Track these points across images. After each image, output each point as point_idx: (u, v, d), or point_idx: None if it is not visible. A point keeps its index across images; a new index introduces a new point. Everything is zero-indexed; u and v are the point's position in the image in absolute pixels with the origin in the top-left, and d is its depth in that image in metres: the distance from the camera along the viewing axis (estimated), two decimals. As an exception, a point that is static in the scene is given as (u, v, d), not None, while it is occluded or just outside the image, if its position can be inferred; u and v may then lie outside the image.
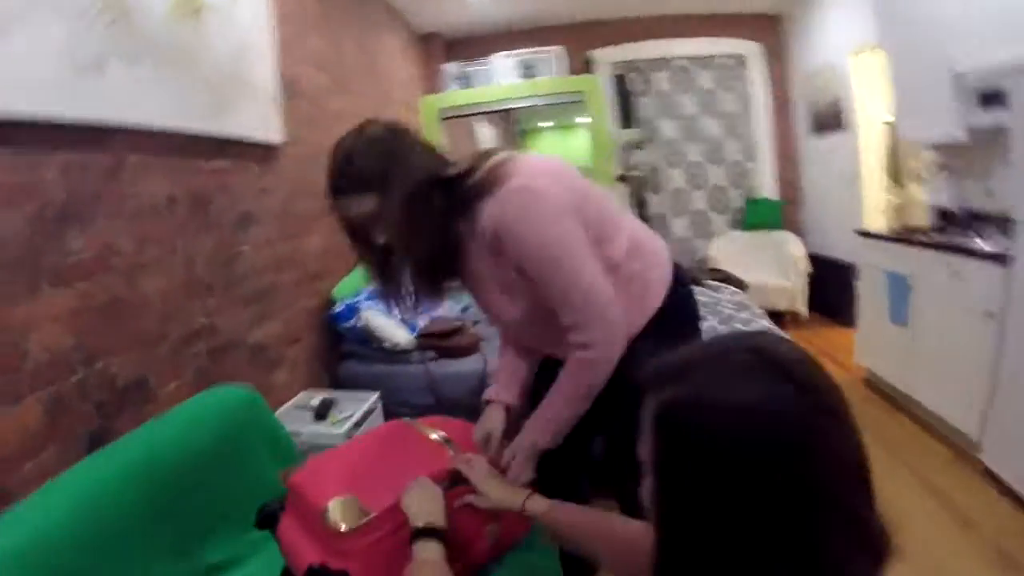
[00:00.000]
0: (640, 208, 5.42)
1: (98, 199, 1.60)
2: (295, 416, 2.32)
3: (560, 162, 1.33)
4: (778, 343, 0.60)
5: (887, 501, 0.58)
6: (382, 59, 4.09)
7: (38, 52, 1.41)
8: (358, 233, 1.29)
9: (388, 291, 1.38)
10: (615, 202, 1.34)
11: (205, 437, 1.59)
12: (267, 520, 1.38)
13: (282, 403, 2.39)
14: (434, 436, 1.43)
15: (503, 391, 1.49)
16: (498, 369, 1.55)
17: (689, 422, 0.57)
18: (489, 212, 1.20)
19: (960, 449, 2.68)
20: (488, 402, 1.50)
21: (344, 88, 3.36)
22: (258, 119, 2.33)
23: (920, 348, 2.95)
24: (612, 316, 1.21)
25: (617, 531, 0.99)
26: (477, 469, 1.24)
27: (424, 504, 1.12)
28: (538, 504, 1.13)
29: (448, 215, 1.25)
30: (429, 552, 1.02)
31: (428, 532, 1.05)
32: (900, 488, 2.44)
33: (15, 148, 1.39)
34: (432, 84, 4.93)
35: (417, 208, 1.20)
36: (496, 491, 1.19)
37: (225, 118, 2.11)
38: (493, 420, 1.44)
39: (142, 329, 1.73)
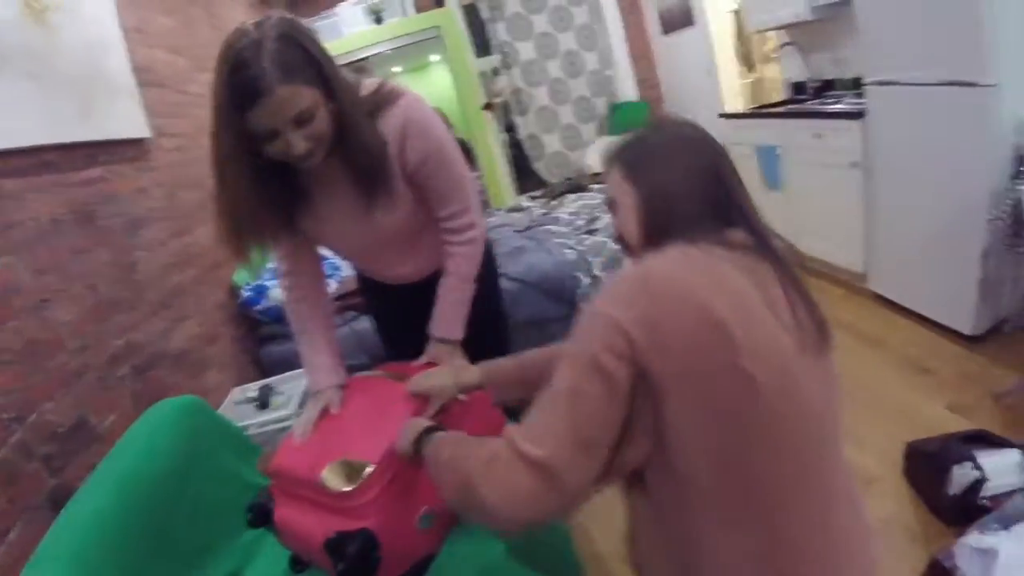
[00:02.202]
0: (510, 132, 5.47)
1: (-20, 237, 1.44)
2: (239, 412, 2.24)
3: None
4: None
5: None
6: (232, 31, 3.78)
7: None
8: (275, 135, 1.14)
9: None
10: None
11: (167, 457, 1.50)
12: (260, 516, 1.31)
13: (219, 404, 2.30)
14: (395, 377, 1.40)
15: (333, 375, 1.45)
16: (314, 353, 1.48)
17: (645, 147, 1.01)
18: (395, 116, 1.26)
19: (851, 284, 3.04)
20: (318, 392, 1.44)
21: (203, 67, 3.11)
22: (122, 116, 2.15)
23: (797, 206, 3.25)
24: (479, 202, 1.46)
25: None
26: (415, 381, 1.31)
27: (410, 429, 1.11)
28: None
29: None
30: (435, 440, 1.01)
31: (425, 433, 1.06)
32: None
33: None
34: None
35: (355, 107, 1.21)
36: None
37: (90, 122, 1.94)
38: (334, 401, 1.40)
39: (64, 367, 1.61)
